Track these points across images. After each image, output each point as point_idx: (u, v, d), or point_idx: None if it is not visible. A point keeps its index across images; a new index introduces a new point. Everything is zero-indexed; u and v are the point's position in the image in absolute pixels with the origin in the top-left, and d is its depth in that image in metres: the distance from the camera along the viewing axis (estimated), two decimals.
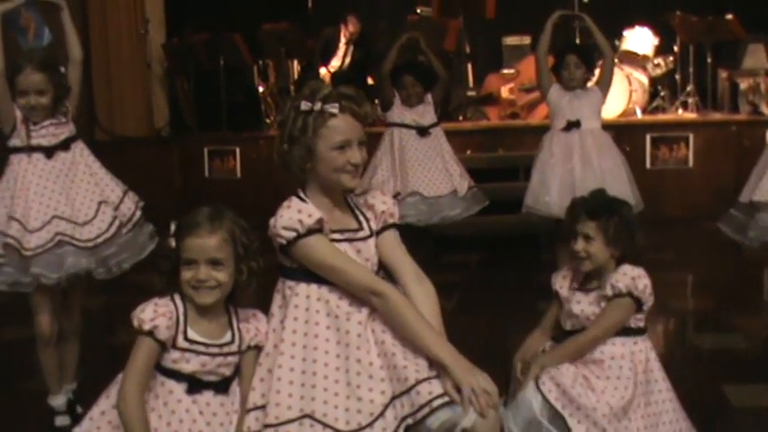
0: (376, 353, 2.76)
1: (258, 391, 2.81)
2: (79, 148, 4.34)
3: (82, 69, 4.47)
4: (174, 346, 2.77)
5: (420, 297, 2.86)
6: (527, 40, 11.03)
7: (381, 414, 2.67)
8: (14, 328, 5.83)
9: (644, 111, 10.42)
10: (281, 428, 2.71)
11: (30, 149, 4.21)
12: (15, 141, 4.23)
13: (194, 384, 2.78)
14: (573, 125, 5.85)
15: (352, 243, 2.89)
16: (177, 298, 2.82)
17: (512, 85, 10.83)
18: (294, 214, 2.79)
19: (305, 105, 2.82)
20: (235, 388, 2.86)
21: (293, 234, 2.78)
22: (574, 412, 3.08)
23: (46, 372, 4.34)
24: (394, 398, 2.69)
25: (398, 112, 6.46)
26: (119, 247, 4.28)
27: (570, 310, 3.27)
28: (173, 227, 2.80)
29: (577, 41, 9.84)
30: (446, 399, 2.62)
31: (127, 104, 11.13)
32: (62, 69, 4.35)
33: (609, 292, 3.16)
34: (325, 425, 2.68)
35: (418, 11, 11.36)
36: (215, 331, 2.83)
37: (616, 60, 9.88)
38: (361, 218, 2.95)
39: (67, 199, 4.20)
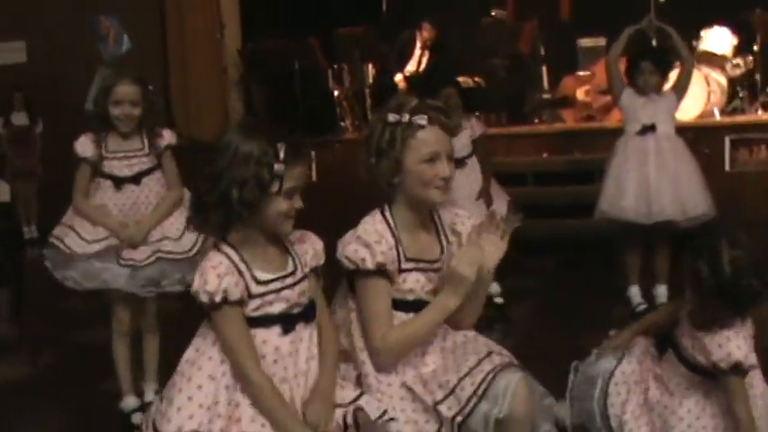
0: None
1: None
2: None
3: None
4: (250, 296, 2.60)
5: None
6: (602, 41, 10.84)
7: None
8: (89, 332, 6.00)
9: (722, 112, 10.21)
10: None
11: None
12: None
13: (287, 322, 2.63)
14: (648, 129, 5.77)
15: (426, 273, 2.82)
16: (225, 247, 2.62)
17: (587, 87, 10.72)
18: (360, 248, 2.74)
19: (392, 117, 2.75)
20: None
21: (353, 266, 2.75)
22: None
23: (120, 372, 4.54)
24: (436, 403, 2.67)
25: None
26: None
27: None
28: (282, 152, 2.55)
29: (653, 43, 9.71)
30: (494, 373, 2.63)
31: (203, 109, 11.23)
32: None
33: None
34: None
35: (493, 14, 11.32)
36: (278, 263, 2.67)
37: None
38: (444, 243, 2.88)
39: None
